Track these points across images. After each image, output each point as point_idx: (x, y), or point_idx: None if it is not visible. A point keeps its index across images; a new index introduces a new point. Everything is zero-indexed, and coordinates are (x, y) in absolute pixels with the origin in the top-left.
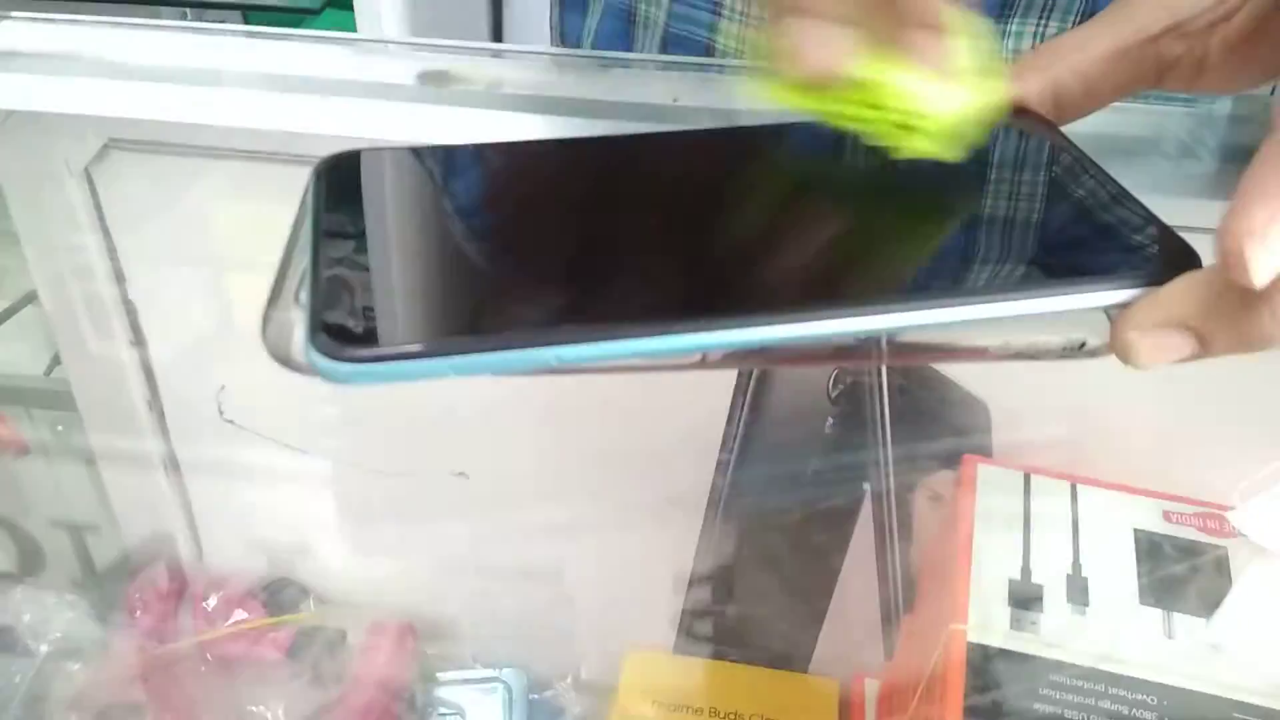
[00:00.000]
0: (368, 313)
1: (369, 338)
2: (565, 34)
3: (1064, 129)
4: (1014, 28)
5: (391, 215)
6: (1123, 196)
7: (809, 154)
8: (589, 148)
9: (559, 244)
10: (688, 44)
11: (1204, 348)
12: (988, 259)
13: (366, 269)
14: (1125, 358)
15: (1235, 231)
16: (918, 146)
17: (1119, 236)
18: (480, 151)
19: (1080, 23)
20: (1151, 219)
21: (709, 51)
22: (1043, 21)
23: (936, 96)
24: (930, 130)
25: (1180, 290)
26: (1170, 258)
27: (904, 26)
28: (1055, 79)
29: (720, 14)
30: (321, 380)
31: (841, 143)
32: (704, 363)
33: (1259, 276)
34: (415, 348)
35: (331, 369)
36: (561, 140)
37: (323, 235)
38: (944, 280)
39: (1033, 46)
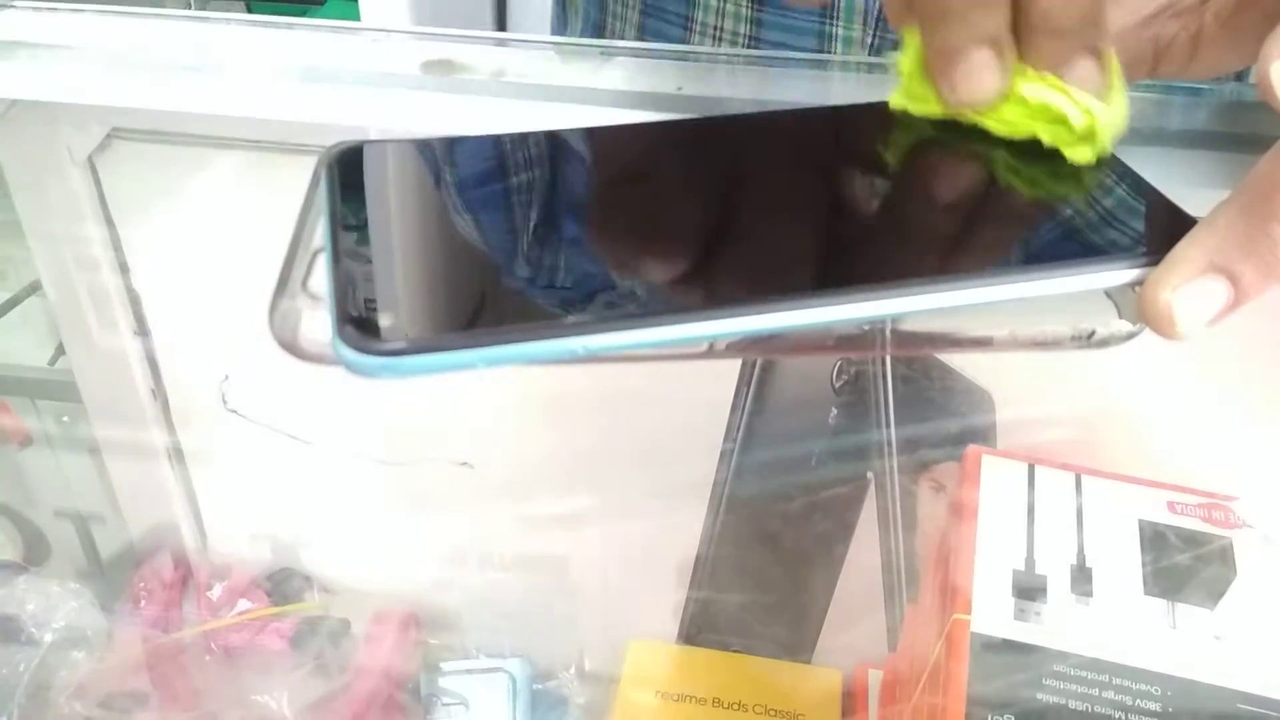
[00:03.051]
0: (394, 306)
1: (397, 331)
2: None
3: None
4: None
5: (414, 207)
6: (1132, 178)
7: (820, 142)
8: (602, 136)
9: (580, 232)
10: None
11: (1236, 287)
12: (997, 242)
13: (390, 262)
14: (1166, 326)
15: (1269, 57)
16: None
17: (1129, 216)
18: (492, 141)
19: None
20: (1160, 198)
21: None
22: None
23: (1077, 108)
24: (1070, 140)
25: (1194, 239)
26: (1180, 235)
27: (1036, 36)
28: None
29: (691, 29)
30: (346, 373)
31: (850, 132)
32: (711, 351)
33: None
34: (445, 340)
35: (360, 363)
36: (576, 129)
37: (340, 227)
38: (951, 265)
39: None
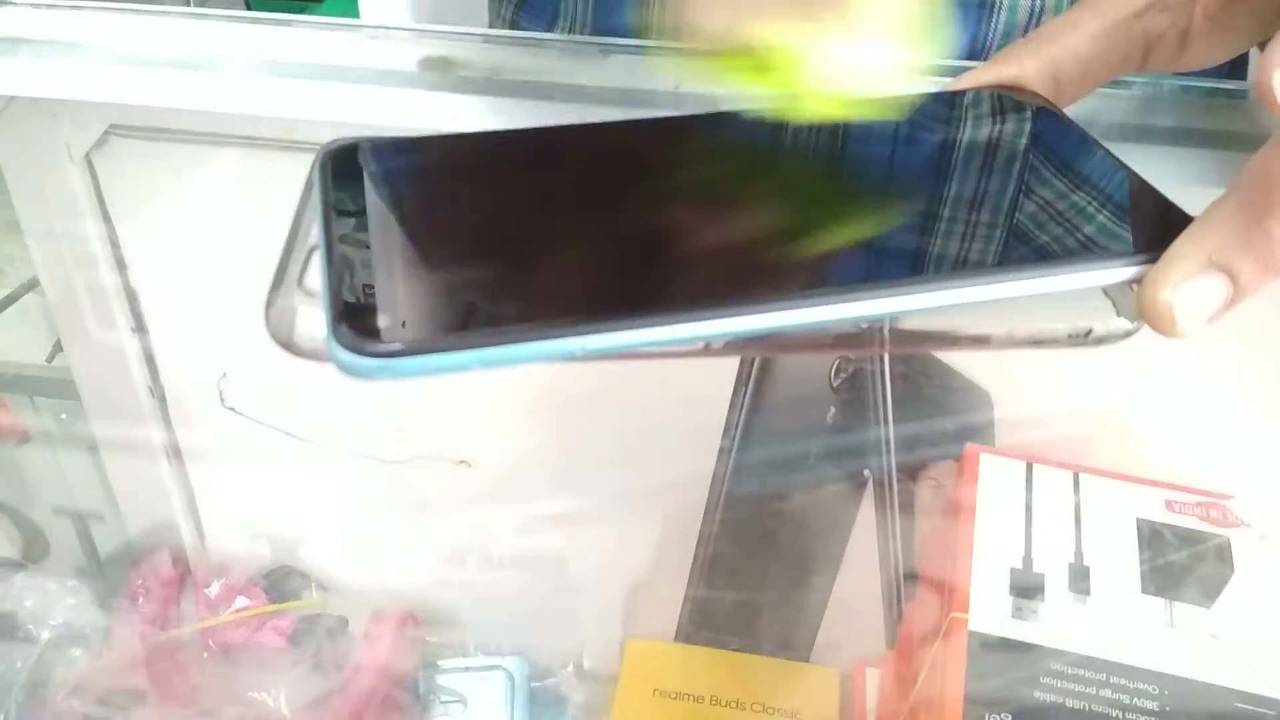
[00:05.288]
0: (389, 306)
1: (392, 332)
2: None
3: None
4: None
5: (410, 205)
6: (1128, 175)
7: (814, 139)
8: (598, 133)
9: (574, 232)
10: None
11: (1235, 284)
12: (992, 240)
13: (385, 261)
14: (1165, 324)
15: (1268, 64)
16: (815, 111)
17: (1126, 214)
18: (490, 139)
19: None
20: (1157, 195)
21: None
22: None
23: (833, 60)
24: (824, 95)
25: (1191, 236)
26: (1176, 233)
27: None
28: (1054, 60)
29: None
30: (342, 374)
31: (845, 128)
32: (709, 349)
33: None
34: (440, 341)
35: (355, 364)
36: (572, 126)
37: (337, 226)
38: (947, 263)
39: None
